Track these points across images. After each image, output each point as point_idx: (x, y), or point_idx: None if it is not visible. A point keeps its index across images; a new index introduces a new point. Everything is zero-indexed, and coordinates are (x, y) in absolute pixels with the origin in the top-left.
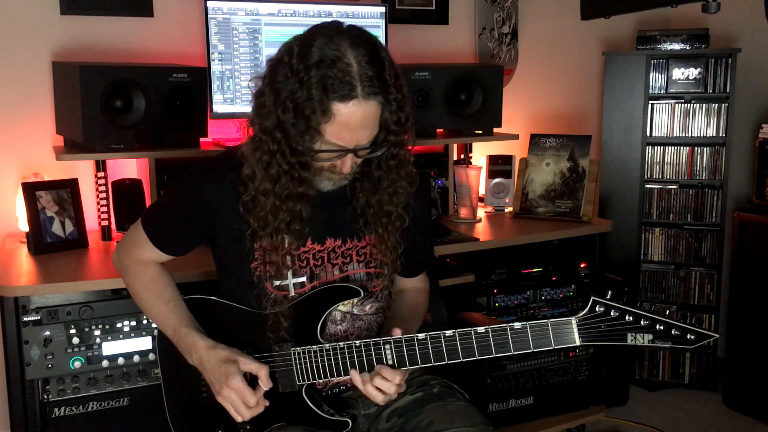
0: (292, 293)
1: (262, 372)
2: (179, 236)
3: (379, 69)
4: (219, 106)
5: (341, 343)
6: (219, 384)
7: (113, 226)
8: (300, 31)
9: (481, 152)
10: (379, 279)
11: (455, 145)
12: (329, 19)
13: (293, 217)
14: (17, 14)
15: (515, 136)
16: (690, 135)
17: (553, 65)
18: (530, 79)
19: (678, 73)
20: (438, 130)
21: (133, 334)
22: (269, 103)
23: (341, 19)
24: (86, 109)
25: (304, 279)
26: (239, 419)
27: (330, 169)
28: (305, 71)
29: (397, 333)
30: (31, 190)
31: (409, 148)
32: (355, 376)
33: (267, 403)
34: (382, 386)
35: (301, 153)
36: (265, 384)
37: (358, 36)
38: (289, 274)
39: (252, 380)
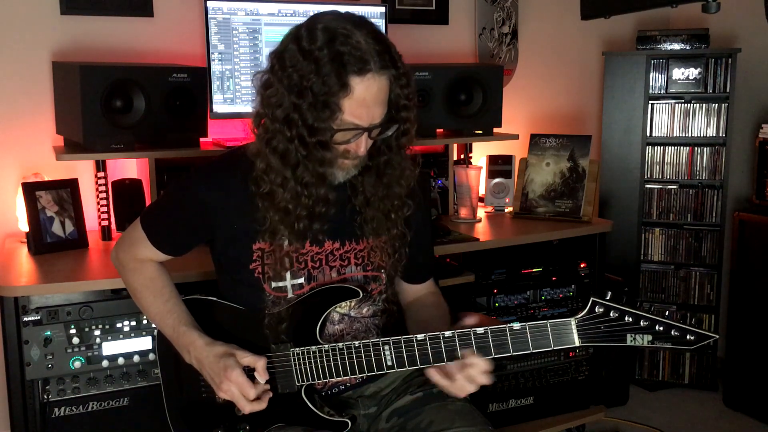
0: (291, 295)
1: (259, 363)
2: (178, 237)
3: (385, 45)
4: (219, 106)
5: (340, 344)
6: (218, 378)
7: (113, 226)
8: None
9: (481, 152)
10: (377, 282)
11: (455, 145)
12: None
13: (316, 202)
14: (17, 14)
15: (515, 136)
16: (690, 135)
17: (553, 65)
18: (530, 79)
19: (678, 73)
20: (438, 130)
21: (133, 334)
22: (281, 91)
23: None
24: (86, 109)
25: (302, 280)
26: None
27: (344, 155)
28: (318, 50)
29: (471, 320)
30: (31, 190)
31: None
32: (433, 373)
33: (270, 395)
34: (475, 377)
35: (322, 131)
36: (261, 375)
37: (359, 18)
38: (288, 275)
39: (251, 376)
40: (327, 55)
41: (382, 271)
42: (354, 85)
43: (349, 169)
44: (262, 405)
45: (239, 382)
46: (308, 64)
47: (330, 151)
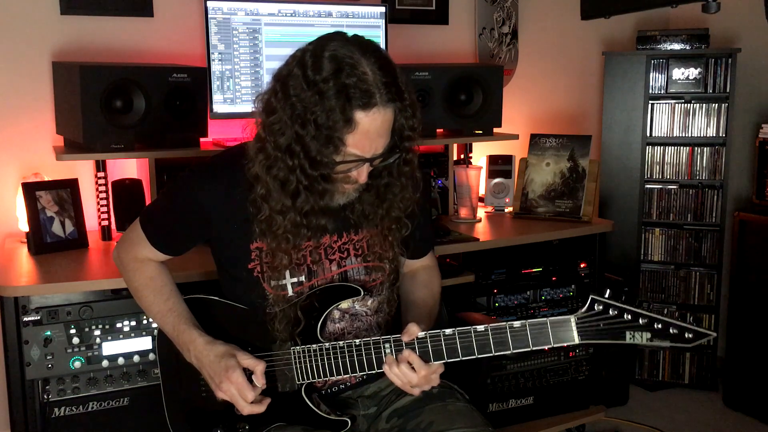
0: (291, 293)
1: (258, 368)
2: (176, 237)
3: (392, 75)
4: (219, 106)
5: (341, 342)
6: (219, 377)
7: (113, 226)
8: (299, 31)
9: (481, 152)
10: (379, 272)
11: (455, 145)
12: (329, 20)
13: (314, 232)
14: (17, 14)
15: (515, 136)
16: (690, 135)
17: (553, 65)
18: (530, 79)
19: (678, 73)
20: (438, 130)
21: (133, 334)
22: (285, 119)
23: (341, 20)
24: (86, 109)
25: (302, 278)
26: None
27: (344, 181)
28: (323, 82)
29: (414, 330)
30: (31, 190)
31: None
32: (388, 361)
33: (269, 400)
34: (406, 374)
35: (324, 165)
36: (259, 380)
37: (366, 44)
38: (287, 273)
39: (250, 379)
40: (332, 87)
41: (386, 261)
42: (359, 119)
43: (349, 193)
44: (260, 408)
45: (239, 383)
46: (312, 96)
47: (331, 183)
